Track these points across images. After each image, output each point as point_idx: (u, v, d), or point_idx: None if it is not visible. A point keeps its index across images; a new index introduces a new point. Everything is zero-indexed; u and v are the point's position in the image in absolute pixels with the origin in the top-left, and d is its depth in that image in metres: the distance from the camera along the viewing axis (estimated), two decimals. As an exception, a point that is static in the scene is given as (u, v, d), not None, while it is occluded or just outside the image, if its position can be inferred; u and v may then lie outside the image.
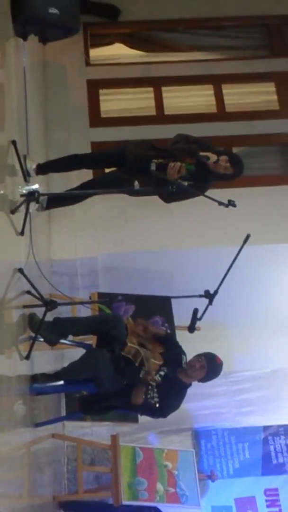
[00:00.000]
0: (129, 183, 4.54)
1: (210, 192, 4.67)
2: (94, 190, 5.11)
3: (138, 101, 7.91)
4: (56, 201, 5.09)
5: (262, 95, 8.10)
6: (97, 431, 6.76)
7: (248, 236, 4.12)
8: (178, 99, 7.93)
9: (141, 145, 5.00)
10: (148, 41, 8.32)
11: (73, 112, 7.39)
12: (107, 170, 5.56)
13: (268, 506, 6.89)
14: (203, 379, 4.94)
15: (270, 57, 8.19)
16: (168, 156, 4.77)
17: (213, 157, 4.80)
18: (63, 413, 6.50)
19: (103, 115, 7.69)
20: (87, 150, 7.13)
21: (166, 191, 4.53)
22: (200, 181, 4.74)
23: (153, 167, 4.48)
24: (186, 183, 4.58)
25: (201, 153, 4.82)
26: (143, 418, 5.89)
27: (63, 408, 6.56)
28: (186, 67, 8.01)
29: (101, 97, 7.76)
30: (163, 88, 7.86)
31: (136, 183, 4.47)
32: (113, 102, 7.85)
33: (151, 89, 7.87)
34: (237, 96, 8.00)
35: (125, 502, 5.74)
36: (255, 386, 7.50)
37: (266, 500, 6.92)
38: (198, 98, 8.00)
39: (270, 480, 7.05)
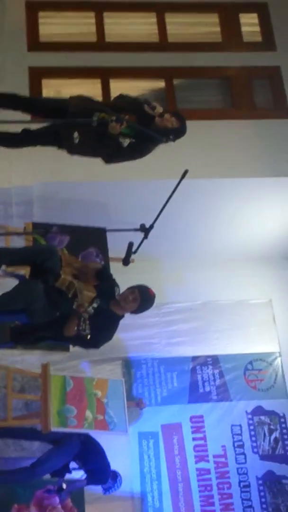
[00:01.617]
0: (69, 136, 4.46)
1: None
2: (33, 142, 4.99)
3: (79, 26, 7.66)
4: None
5: (206, 26, 7.95)
6: (28, 359, 6.80)
7: (186, 172, 4.10)
8: (120, 26, 7.71)
9: (84, 98, 4.84)
10: None
11: (10, 34, 7.13)
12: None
13: (193, 432, 7.16)
14: (136, 311, 4.97)
15: (216, -14, 8.04)
16: (112, 110, 4.66)
17: (159, 108, 4.73)
18: (-6, 342, 6.51)
19: (42, 39, 7.43)
20: (25, 75, 6.94)
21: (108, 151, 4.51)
22: (143, 140, 4.67)
23: (95, 118, 4.36)
24: (128, 141, 4.51)
25: (146, 107, 4.74)
26: (74, 347, 5.95)
27: (-5, 337, 6.56)
28: (128, -8, 7.80)
29: (40, 20, 7.48)
30: (105, 14, 7.65)
31: (75, 134, 4.39)
32: (53, 26, 7.57)
33: (92, 14, 7.64)
34: (180, 26, 7.84)
35: (54, 428, 5.84)
36: (186, 318, 7.67)
37: (192, 427, 7.18)
38: (140, 26, 7.80)
39: (196, 407, 7.30)
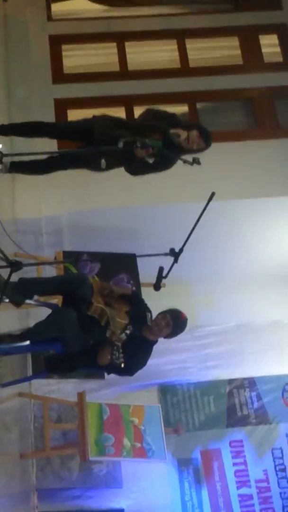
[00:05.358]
0: (96, 162, 4.55)
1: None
2: (61, 166, 5.10)
3: (101, 56, 7.80)
4: (20, 167, 5.02)
5: (226, 49, 8.03)
6: (64, 388, 6.79)
7: (213, 194, 4.11)
8: (141, 55, 7.83)
9: (109, 123, 4.88)
10: (110, -5, 8.18)
11: (35, 68, 7.27)
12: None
13: (233, 458, 7.04)
14: (169, 336, 4.97)
15: (234, 11, 8.13)
16: (137, 133, 4.71)
17: (183, 134, 4.78)
18: (30, 372, 6.51)
19: (66, 71, 7.57)
20: (51, 107, 7.05)
21: (133, 168, 4.58)
22: (167, 156, 4.73)
23: (121, 145, 4.42)
24: (152, 160, 4.56)
25: (171, 131, 4.79)
26: (109, 375, 5.94)
27: (30, 367, 6.57)
28: (149, 22, 7.91)
29: (63, 53, 7.64)
30: (126, 43, 7.77)
31: (103, 161, 4.48)
32: (76, 58, 7.72)
33: (114, 44, 7.77)
34: (201, 51, 7.93)
35: (92, 457, 5.82)
36: (220, 341, 7.58)
37: (231, 452, 7.07)
38: (161, 54, 7.91)
39: (235, 432, 7.19)
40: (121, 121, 5.00)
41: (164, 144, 4.59)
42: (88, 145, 4.93)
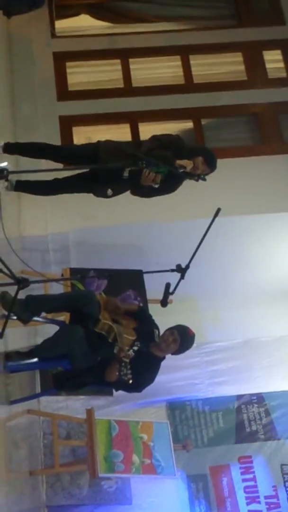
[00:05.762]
0: (103, 191, 4.59)
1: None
2: (66, 189, 5.18)
3: (106, 73, 7.84)
4: (26, 186, 5.05)
5: (230, 65, 8.07)
6: (72, 405, 6.79)
7: (218, 210, 4.12)
8: (145, 71, 7.87)
9: (113, 152, 4.87)
10: (114, 12, 8.24)
11: (40, 86, 7.31)
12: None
13: (242, 474, 7.00)
14: (176, 352, 4.98)
15: (238, 27, 8.18)
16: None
17: (188, 164, 4.81)
18: (38, 389, 6.50)
19: (70, 88, 7.61)
20: (56, 124, 7.08)
21: (139, 192, 4.63)
22: (172, 181, 4.78)
23: (126, 174, 4.46)
24: (158, 185, 4.62)
25: (177, 162, 4.81)
26: (117, 391, 5.93)
27: (38, 384, 6.56)
28: (153, 38, 7.96)
29: (68, 70, 7.67)
30: (130, 60, 7.81)
31: (109, 191, 4.53)
32: (81, 75, 7.76)
33: (118, 61, 7.81)
34: (205, 67, 7.96)
35: (102, 474, 5.80)
36: (228, 357, 7.56)
37: (241, 468, 7.02)
38: (165, 70, 7.95)
39: (244, 447, 7.14)
40: (126, 147, 4.99)
41: (169, 174, 4.64)
42: (94, 177, 4.97)
